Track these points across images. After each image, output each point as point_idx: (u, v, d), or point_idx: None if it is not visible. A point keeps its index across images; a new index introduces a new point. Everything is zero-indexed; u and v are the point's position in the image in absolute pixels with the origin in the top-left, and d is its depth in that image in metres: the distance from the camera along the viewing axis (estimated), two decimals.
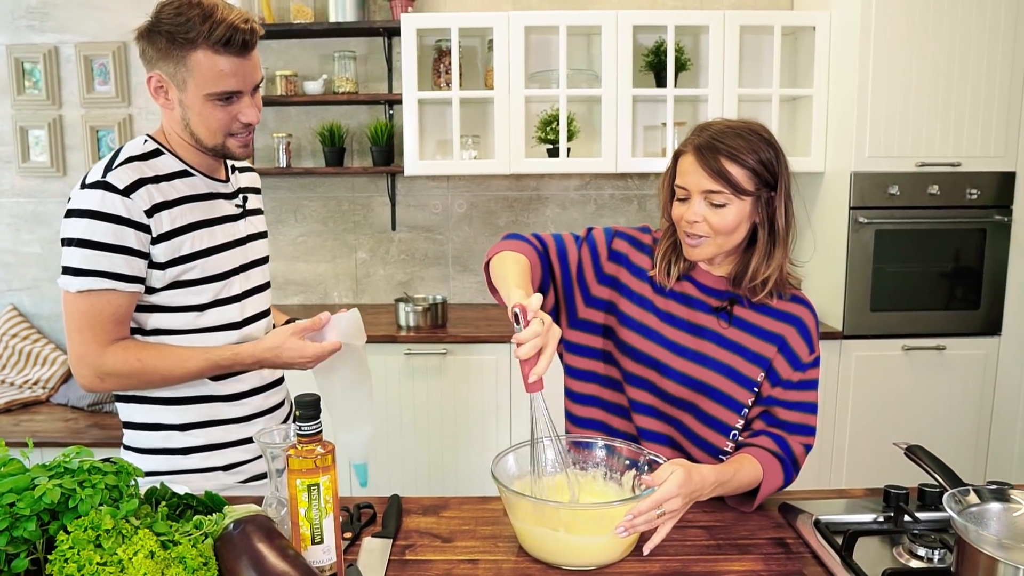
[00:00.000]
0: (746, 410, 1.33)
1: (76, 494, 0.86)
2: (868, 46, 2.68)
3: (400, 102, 3.01)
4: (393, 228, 3.41)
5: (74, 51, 3.23)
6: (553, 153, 3.04)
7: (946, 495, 0.95)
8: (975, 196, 2.77)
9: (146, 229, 1.30)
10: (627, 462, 1.23)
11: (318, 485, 0.96)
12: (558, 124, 2.98)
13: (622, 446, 1.25)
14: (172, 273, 1.34)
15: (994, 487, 0.97)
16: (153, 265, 1.32)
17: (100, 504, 0.87)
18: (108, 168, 1.31)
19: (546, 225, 3.40)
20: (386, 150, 3.20)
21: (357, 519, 1.25)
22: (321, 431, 0.97)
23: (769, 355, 1.32)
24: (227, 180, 1.48)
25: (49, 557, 0.84)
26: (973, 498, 0.97)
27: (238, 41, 1.27)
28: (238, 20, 1.28)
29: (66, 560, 0.82)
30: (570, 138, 3.05)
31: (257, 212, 1.56)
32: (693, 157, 1.26)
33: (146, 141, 1.39)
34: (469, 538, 1.21)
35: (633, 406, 1.37)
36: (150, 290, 1.34)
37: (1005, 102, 2.72)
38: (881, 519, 1.24)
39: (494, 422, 2.89)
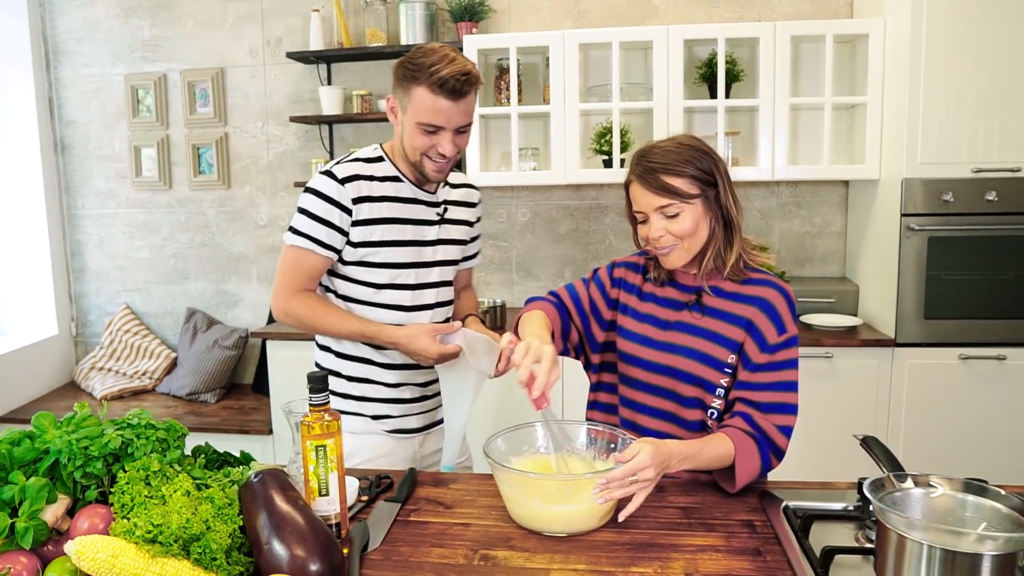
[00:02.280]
0: (720, 389, 1.44)
1: (133, 443, 1.09)
2: (920, 51, 2.68)
3: None
4: None
5: (179, 78, 3.63)
6: (608, 164, 3.18)
7: (868, 481, 1.04)
8: None
9: (349, 212, 1.63)
10: (610, 445, 1.38)
11: (324, 447, 1.15)
12: (612, 136, 3.11)
13: (603, 430, 1.39)
14: (360, 252, 1.66)
15: (914, 473, 1.06)
16: (349, 243, 1.65)
17: (151, 452, 1.10)
18: (338, 162, 1.67)
19: (605, 233, 3.53)
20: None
21: (376, 486, 1.44)
22: (328, 402, 1.17)
23: (739, 338, 1.43)
24: (434, 191, 1.74)
25: (111, 490, 1.07)
26: (897, 483, 1.06)
27: (450, 87, 1.53)
28: (457, 71, 1.53)
29: (123, 492, 1.05)
30: (624, 149, 3.18)
31: (460, 223, 1.81)
32: (637, 183, 1.43)
33: (376, 149, 1.72)
34: (469, 506, 1.38)
35: (622, 402, 1.55)
36: (343, 262, 1.67)
37: None
38: (851, 508, 1.33)
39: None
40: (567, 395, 3.02)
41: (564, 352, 1.61)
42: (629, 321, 1.53)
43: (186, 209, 3.72)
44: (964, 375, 2.81)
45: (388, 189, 1.67)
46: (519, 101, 3.18)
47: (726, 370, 1.44)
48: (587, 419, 1.64)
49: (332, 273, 1.71)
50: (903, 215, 2.77)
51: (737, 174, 3.11)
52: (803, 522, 1.22)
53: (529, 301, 1.62)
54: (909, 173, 2.75)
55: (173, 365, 3.71)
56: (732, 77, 3.11)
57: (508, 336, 1.40)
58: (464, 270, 1.94)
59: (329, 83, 3.54)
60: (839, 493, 1.41)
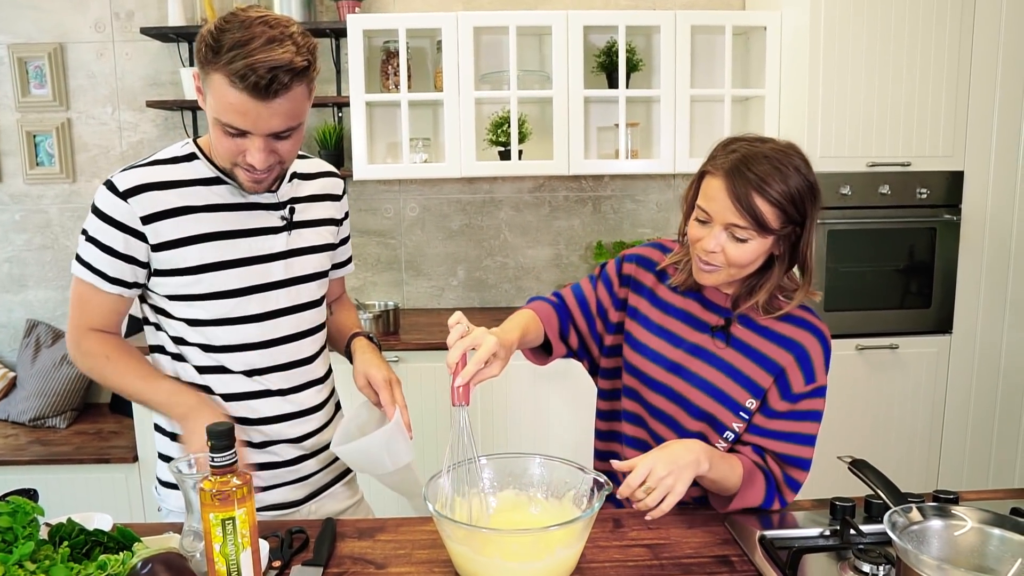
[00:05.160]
0: (730, 433, 1.30)
1: None
2: (818, 46, 2.69)
3: (349, 105, 2.94)
4: None
5: (7, 53, 3.10)
6: (505, 156, 3.00)
7: (887, 514, 0.93)
8: (925, 195, 2.79)
9: (141, 236, 1.24)
10: (566, 481, 1.20)
11: (233, 519, 0.90)
12: (509, 126, 2.94)
13: (562, 465, 1.21)
14: (176, 283, 1.26)
15: (935, 504, 0.95)
16: (158, 272, 1.27)
17: None
18: (131, 167, 1.27)
19: (500, 228, 3.36)
20: (335, 154, 3.13)
21: (288, 545, 1.19)
22: (235, 462, 0.91)
23: (764, 384, 1.27)
24: (276, 189, 1.35)
25: None
26: (916, 515, 0.95)
27: (251, 83, 1.11)
28: (266, 63, 1.11)
29: None
30: (522, 140, 3.01)
31: (321, 223, 1.42)
32: (722, 183, 1.17)
33: (186, 144, 1.32)
34: (404, 563, 1.16)
35: (623, 415, 1.40)
36: (161, 296, 1.30)
37: (952, 102, 2.75)
38: (828, 533, 1.22)
39: (447, 429, 2.84)
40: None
41: (568, 354, 1.44)
42: (640, 330, 1.36)
43: (21, 206, 3.19)
44: (861, 365, 2.87)
45: (202, 195, 1.27)
46: (409, 88, 2.94)
47: (742, 414, 1.29)
48: (595, 428, 1.48)
49: (158, 310, 1.32)
50: None
51: (636, 167, 3.04)
52: (791, 557, 1.10)
53: (530, 301, 1.42)
54: None
55: (12, 387, 3.19)
56: (631, 67, 3.01)
57: (457, 315, 1.16)
58: (336, 280, 1.57)
59: (192, 64, 3.14)
60: (806, 515, 1.30)
